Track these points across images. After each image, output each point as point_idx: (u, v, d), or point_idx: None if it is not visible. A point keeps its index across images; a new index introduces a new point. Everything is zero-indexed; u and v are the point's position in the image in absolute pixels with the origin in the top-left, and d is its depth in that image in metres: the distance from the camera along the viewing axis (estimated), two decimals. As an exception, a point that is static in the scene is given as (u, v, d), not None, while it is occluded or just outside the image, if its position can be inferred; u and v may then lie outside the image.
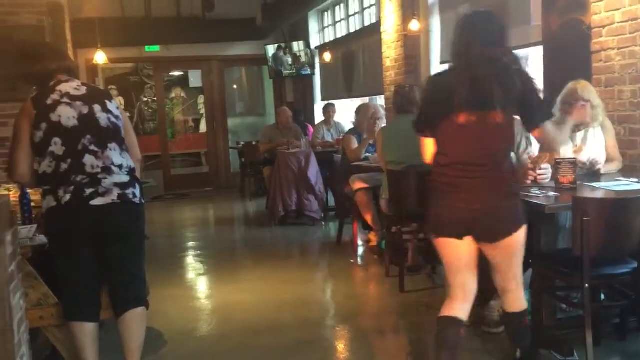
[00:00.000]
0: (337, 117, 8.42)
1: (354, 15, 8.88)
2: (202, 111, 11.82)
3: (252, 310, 4.17)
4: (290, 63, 10.22)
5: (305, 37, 10.25)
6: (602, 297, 3.29)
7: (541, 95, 2.63)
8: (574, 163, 3.16)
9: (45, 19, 5.91)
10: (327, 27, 9.99)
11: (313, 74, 10.26)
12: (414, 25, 6.45)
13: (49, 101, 2.76)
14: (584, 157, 3.46)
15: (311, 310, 4.16)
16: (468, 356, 3.01)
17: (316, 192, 6.89)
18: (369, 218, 5.31)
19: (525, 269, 2.74)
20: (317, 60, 10.17)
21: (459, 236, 2.55)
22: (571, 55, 4.21)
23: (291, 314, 4.05)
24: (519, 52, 3.35)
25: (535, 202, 2.89)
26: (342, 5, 9.26)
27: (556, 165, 3.18)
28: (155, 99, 11.47)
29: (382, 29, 7.24)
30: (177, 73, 12.11)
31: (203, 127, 11.86)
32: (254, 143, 9.03)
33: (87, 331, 2.80)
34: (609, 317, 3.30)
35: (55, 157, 2.72)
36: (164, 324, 3.85)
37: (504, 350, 3.17)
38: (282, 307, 4.19)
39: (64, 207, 2.71)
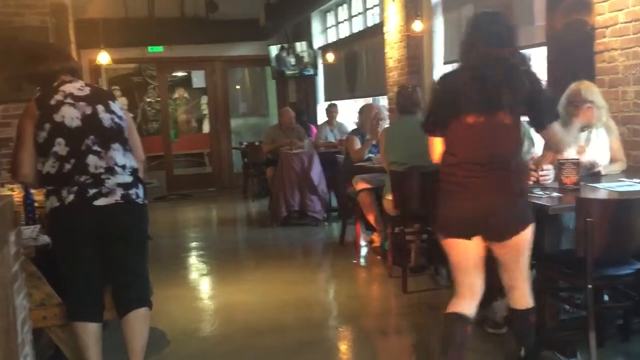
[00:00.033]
0: (339, 118, 8.42)
1: (356, 15, 8.87)
2: (205, 111, 11.82)
3: (255, 311, 4.17)
4: (293, 63, 10.22)
5: (308, 37, 10.25)
6: (606, 298, 3.28)
7: (549, 96, 2.65)
8: (577, 164, 3.15)
9: (49, 19, 5.94)
10: (330, 27, 9.99)
11: (316, 74, 10.26)
12: (417, 26, 6.44)
13: (52, 102, 2.76)
14: (587, 158, 3.45)
15: (314, 310, 4.16)
16: (470, 356, 3.00)
17: (319, 192, 6.89)
18: (371, 218, 5.31)
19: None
20: (320, 61, 10.17)
21: (468, 236, 2.56)
22: (575, 55, 4.20)
23: (294, 315, 4.05)
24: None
25: (539, 202, 2.88)
26: (345, 5, 9.26)
27: (559, 166, 3.18)
28: (158, 99, 11.47)
29: (385, 29, 7.23)
30: (180, 73, 12.11)
31: (206, 128, 11.86)
32: (256, 143, 9.03)
33: (90, 331, 2.80)
34: (613, 318, 3.30)
35: (58, 158, 2.73)
36: (167, 324, 3.85)
37: (506, 350, 3.17)
38: (284, 308, 4.19)
39: (67, 208, 2.72)
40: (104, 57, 8.65)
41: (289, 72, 10.31)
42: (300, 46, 10.19)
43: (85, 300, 2.82)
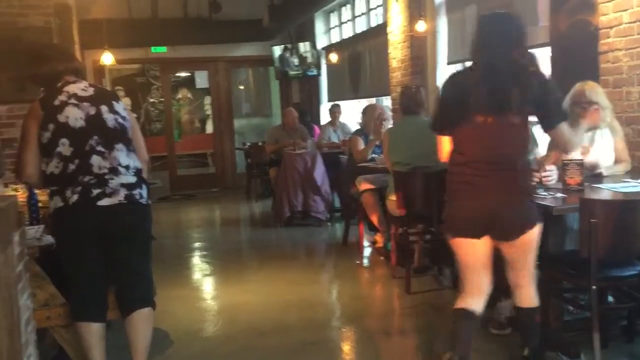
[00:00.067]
0: (343, 118, 8.41)
1: (360, 16, 8.87)
2: (209, 112, 11.83)
3: (258, 311, 4.17)
4: (296, 64, 10.22)
5: (311, 38, 10.25)
6: (610, 299, 3.27)
7: (558, 96, 2.67)
8: (581, 164, 3.15)
9: (53, 20, 5.95)
10: (334, 28, 9.99)
11: (319, 74, 10.26)
12: (421, 26, 6.43)
13: (56, 102, 2.77)
14: (591, 158, 3.44)
15: (317, 311, 4.15)
16: (474, 357, 2.99)
17: (322, 193, 6.89)
18: (375, 219, 5.30)
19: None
20: (323, 61, 10.17)
21: (476, 236, 2.59)
22: (579, 56, 4.19)
23: (297, 315, 4.05)
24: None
25: (543, 203, 2.88)
26: (348, 6, 9.25)
27: (563, 166, 3.17)
28: (161, 99, 11.49)
29: (389, 29, 7.23)
30: (183, 74, 12.12)
31: (209, 128, 11.87)
32: (260, 144, 9.03)
33: (94, 331, 2.81)
34: (617, 319, 3.29)
35: (62, 158, 2.73)
36: (171, 324, 3.85)
37: (510, 351, 3.16)
38: (287, 308, 4.19)
39: (71, 208, 2.72)
40: (107, 58, 8.66)
41: (292, 73, 10.31)
42: (304, 46, 10.19)
43: (89, 301, 2.82)
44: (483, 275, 2.65)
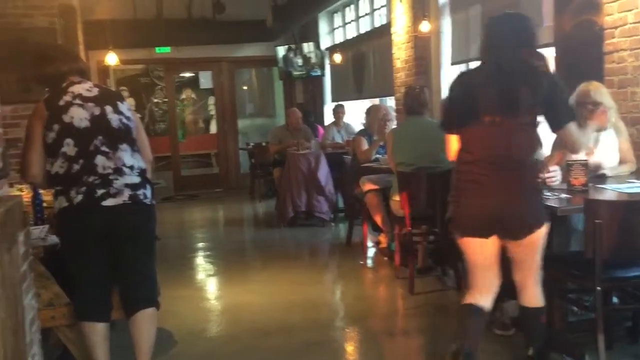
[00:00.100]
0: (347, 119, 8.41)
1: (364, 16, 8.87)
2: (212, 112, 11.84)
3: (262, 311, 4.17)
4: (300, 64, 10.22)
5: (315, 38, 10.25)
6: (614, 300, 3.26)
7: (567, 96, 2.70)
8: (585, 165, 3.14)
9: (57, 20, 5.97)
10: (337, 28, 9.99)
11: (323, 75, 10.26)
12: (425, 27, 6.43)
13: (61, 102, 2.78)
14: (595, 159, 3.43)
15: (320, 311, 4.15)
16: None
17: (326, 193, 6.89)
18: (378, 219, 5.30)
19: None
20: (327, 62, 10.17)
21: (484, 235, 2.60)
22: (583, 56, 4.18)
23: (300, 315, 4.05)
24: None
25: (547, 204, 2.87)
26: (352, 6, 9.25)
27: (568, 167, 3.16)
28: (165, 100, 11.50)
29: (393, 30, 7.22)
30: (187, 74, 12.14)
31: (213, 128, 11.89)
32: (263, 144, 9.04)
33: (98, 331, 2.81)
34: (621, 320, 3.28)
35: (67, 158, 2.74)
36: (175, 324, 3.86)
37: (514, 351, 3.16)
38: (291, 308, 4.19)
39: (75, 208, 2.73)
40: (111, 58, 8.68)
41: (296, 73, 10.31)
42: (308, 47, 10.20)
43: (93, 300, 2.83)
44: (491, 273, 2.67)
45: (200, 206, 9.45)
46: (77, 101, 2.79)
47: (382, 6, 8.21)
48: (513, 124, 2.54)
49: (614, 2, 3.84)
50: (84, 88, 2.85)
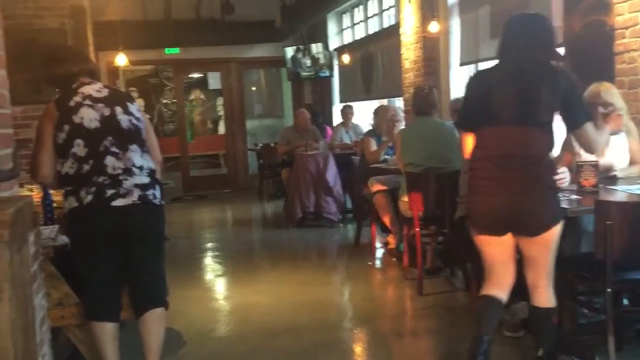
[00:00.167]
0: (355, 119, 8.41)
1: (372, 17, 8.86)
2: (221, 113, 11.87)
3: (270, 312, 4.18)
4: (308, 65, 10.23)
5: (323, 39, 10.26)
6: (625, 302, 3.24)
7: (583, 96, 2.74)
8: (595, 166, 3.12)
9: (68, 22, 6.00)
10: (346, 29, 9.99)
11: (331, 75, 10.26)
12: (434, 27, 6.41)
13: (71, 103, 2.79)
14: (605, 160, 3.41)
15: (329, 312, 4.15)
16: None
17: (334, 194, 6.89)
18: (387, 220, 5.29)
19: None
20: (335, 62, 10.17)
21: (499, 233, 2.63)
22: (594, 56, 4.16)
23: (309, 316, 4.05)
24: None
25: (558, 205, 2.86)
26: (360, 7, 9.25)
27: (578, 168, 3.14)
28: (174, 100, 11.54)
29: (401, 30, 7.21)
30: (196, 75, 12.18)
31: (222, 129, 11.92)
32: (272, 145, 9.05)
33: (107, 331, 2.82)
34: (632, 323, 3.25)
35: (77, 159, 2.75)
36: (184, 324, 3.87)
37: (523, 353, 3.15)
38: (299, 309, 4.19)
39: (85, 208, 2.74)
40: (121, 59, 8.72)
41: (304, 74, 10.32)
42: (316, 47, 10.20)
43: (103, 300, 2.84)
44: (507, 269, 2.70)
45: (208, 207, 9.47)
46: (87, 102, 2.81)
47: (390, 7, 8.20)
48: (530, 122, 2.55)
49: (624, 2, 3.81)
50: (94, 89, 2.86)
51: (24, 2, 5.77)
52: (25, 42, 5.25)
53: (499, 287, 2.71)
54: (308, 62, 10.22)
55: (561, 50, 4.55)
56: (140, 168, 2.84)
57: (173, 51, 10.42)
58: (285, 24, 9.69)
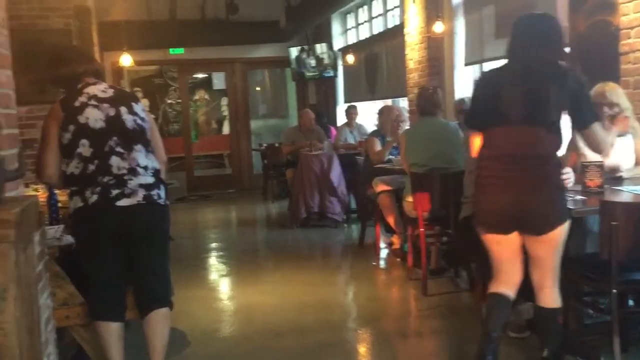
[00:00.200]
0: (359, 119, 8.40)
1: (377, 17, 8.86)
2: (225, 113, 11.88)
3: (274, 312, 4.18)
4: (313, 65, 10.23)
5: (328, 39, 10.26)
6: (630, 302, 3.22)
7: (590, 96, 2.74)
8: (601, 166, 3.11)
9: (73, 22, 6.01)
10: (350, 29, 9.98)
11: (336, 76, 10.25)
12: (438, 27, 6.40)
13: (76, 103, 2.80)
14: (611, 161, 3.40)
15: (333, 312, 4.15)
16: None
17: (338, 194, 6.88)
18: (391, 220, 5.29)
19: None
20: (340, 62, 10.17)
21: (506, 232, 2.65)
22: (599, 56, 4.14)
23: (313, 316, 4.05)
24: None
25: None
26: (365, 7, 9.24)
27: (583, 168, 3.14)
28: (179, 101, 11.55)
29: (406, 30, 7.20)
30: (200, 75, 12.19)
31: (226, 129, 11.92)
32: (276, 145, 9.05)
33: (112, 331, 2.83)
34: (637, 323, 3.24)
35: (82, 159, 2.76)
36: (188, 324, 3.87)
37: (528, 354, 3.14)
38: (303, 309, 4.19)
39: (90, 208, 2.75)
40: (126, 59, 8.74)
41: (309, 74, 10.32)
42: (321, 48, 10.20)
43: (108, 300, 2.85)
44: (514, 267, 2.72)
45: (213, 207, 9.48)
46: (93, 102, 2.81)
47: (395, 7, 8.20)
48: (539, 122, 2.56)
49: (629, 2, 3.80)
50: (99, 89, 2.87)
51: (29, 3, 5.78)
52: (30, 43, 5.27)
53: (507, 286, 2.73)
54: (312, 62, 10.22)
55: (566, 51, 4.55)
56: (145, 168, 2.84)
57: (178, 51, 10.44)
58: (290, 24, 9.70)
